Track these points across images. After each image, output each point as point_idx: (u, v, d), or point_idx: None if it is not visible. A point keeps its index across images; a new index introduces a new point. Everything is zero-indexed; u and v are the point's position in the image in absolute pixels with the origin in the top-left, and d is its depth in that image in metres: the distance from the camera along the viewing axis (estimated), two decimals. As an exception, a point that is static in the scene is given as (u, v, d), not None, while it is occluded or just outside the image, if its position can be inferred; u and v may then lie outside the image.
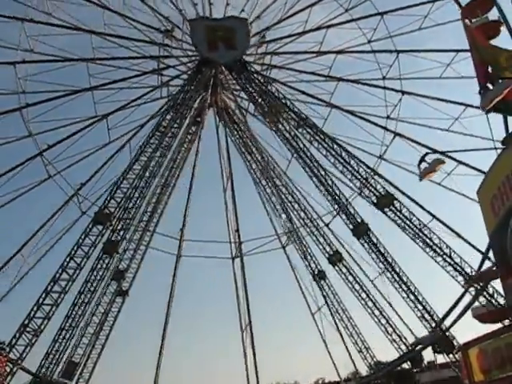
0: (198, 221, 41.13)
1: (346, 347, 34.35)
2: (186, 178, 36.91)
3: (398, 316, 32.83)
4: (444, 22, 31.71)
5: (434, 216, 31.45)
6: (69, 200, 31.05)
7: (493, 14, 17.97)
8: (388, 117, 33.41)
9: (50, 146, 30.50)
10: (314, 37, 34.65)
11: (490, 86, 14.72)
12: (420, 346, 31.06)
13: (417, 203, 31.86)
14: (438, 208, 32.58)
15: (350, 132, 34.64)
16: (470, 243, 30.45)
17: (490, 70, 15.17)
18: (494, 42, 16.97)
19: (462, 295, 29.75)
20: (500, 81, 13.91)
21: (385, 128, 33.25)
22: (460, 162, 29.96)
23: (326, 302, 34.11)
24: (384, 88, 33.49)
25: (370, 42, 34.05)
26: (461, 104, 31.17)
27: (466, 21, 16.51)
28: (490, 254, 27.19)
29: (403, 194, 31.98)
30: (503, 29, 17.69)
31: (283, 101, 32.69)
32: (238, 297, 34.62)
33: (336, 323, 34.20)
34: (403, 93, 33.23)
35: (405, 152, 33.38)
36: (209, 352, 50.54)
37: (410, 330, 32.52)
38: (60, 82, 31.11)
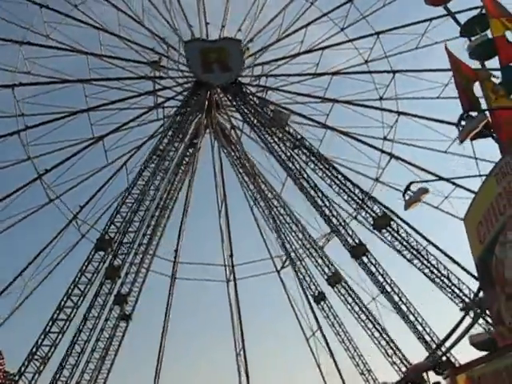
0: (197, 242, 41.12)
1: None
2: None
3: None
4: (440, 41, 30.62)
5: (429, 241, 31.39)
6: (68, 224, 31.68)
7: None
8: (385, 138, 33.63)
9: (47, 170, 31.11)
10: (310, 57, 35.22)
11: (474, 114, 15.03)
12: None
13: (412, 228, 31.63)
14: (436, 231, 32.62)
15: (346, 153, 35.02)
16: (465, 269, 30.47)
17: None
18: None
19: (462, 318, 29.56)
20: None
21: (381, 150, 33.47)
22: (457, 185, 30.08)
23: (320, 327, 33.39)
24: (381, 109, 33.74)
25: (367, 62, 34.26)
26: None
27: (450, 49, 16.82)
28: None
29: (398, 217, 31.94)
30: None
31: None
32: (233, 320, 34.46)
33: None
34: (399, 113, 33.45)
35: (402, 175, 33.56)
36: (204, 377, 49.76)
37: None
38: (58, 104, 31.93)
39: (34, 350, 26.54)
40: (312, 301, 34.98)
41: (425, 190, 13.55)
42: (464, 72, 15.89)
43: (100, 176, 32.88)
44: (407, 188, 14.03)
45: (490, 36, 16.60)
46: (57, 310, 27.43)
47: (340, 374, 33.34)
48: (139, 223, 31.42)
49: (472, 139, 15.42)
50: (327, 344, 33.12)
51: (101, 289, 29.16)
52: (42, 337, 26.77)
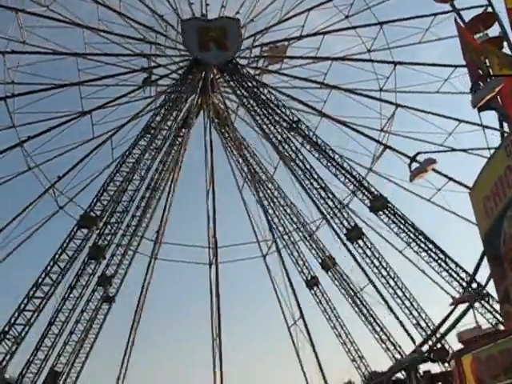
0: (183, 223, 40.13)
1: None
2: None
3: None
4: (444, 37, 30.86)
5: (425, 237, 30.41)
6: (44, 192, 30.29)
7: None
8: (382, 130, 32.54)
9: (30, 136, 29.89)
10: (310, 42, 34.01)
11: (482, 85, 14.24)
12: None
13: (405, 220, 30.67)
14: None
15: (340, 142, 33.55)
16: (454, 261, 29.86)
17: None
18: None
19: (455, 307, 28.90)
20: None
21: (377, 141, 32.50)
22: (450, 179, 29.67)
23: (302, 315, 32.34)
24: (380, 100, 32.58)
25: (369, 51, 33.03)
26: (455, 119, 30.55)
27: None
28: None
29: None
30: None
31: (275, 102, 32.15)
32: (212, 304, 33.41)
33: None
34: (397, 106, 32.32)
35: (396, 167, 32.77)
36: (179, 361, 48.96)
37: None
38: (50, 76, 30.80)
39: (7, 328, 25.22)
40: (305, 286, 34.25)
41: (432, 161, 12.52)
42: (473, 44, 15.28)
43: (86, 151, 31.47)
44: (413, 158, 13.01)
45: (491, 35, 16.28)
46: (33, 286, 26.16)
47: (320, 366, 32.15)
48: (128, 203, 30.26)
49: (480, 110, 14.62)
50: (309, 333, 32.02)
51: (84, 268, 27.88)
52: (16, 315, 25.47)
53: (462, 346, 22.17)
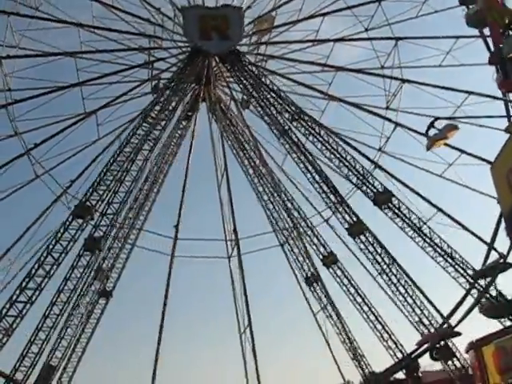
0: (191, 218, 39.39)
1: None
2: (176, 174, 35.69)
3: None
4: (443, 9, 30.57)
5: (438, 208, 30.14)
6: (57, 199, 29.99)
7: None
8: (387, 107, 31.90)
9: (37, 144, 29.50)
10: (309, 26, 33.27)
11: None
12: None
13: (420, 195, 30.72)
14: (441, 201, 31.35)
15: (348, 125, 33.33)
16: (474, 234, 29.55)
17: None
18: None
19: (464, 297, 28.31)
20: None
21: (385, 118, 31.77)
22: (463, 152, 29.20)
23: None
24: (383, 76, 31.99)
25: (367, 30, 32.32)
26: (464, 91, 30.10)
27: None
28: (496, 245, 28.16)
29: (405, 186, 30.85)
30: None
31: (278, 93, 31.38)
32: (235, 298, 32.57)
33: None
34: (403, 81, 31.71)
35: (405, 145, 32.46)
36: (206, 358, 47.84)
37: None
38: (47, 79, 30.21)
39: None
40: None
41: (453, 127, 11.43)
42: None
43: (93, 153, 31.47)
44: (431, 124, 12.00)
45: None
46: (26, 277, 25.31)
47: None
48: (125, 194, 29.40)
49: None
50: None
51: (79, 260, 26.89)
52: (8, 306, 24.59)
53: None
